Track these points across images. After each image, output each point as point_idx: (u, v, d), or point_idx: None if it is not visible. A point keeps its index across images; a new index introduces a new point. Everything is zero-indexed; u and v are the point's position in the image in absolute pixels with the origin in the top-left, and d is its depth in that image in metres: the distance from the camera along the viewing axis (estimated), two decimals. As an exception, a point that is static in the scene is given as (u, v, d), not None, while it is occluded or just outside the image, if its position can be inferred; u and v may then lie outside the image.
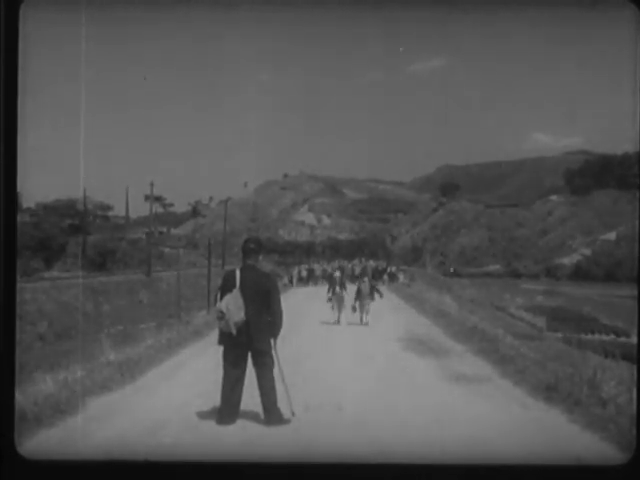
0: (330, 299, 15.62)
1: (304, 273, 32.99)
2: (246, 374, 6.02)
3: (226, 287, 6.03)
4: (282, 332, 6.13)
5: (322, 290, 17.75)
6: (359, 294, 15.02)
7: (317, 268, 34.12)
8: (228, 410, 5.97)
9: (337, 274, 17.34)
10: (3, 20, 4.88)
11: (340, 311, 15.16)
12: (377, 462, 4.84)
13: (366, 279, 15.81)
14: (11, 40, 4.89)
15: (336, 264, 35.05)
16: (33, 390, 6.50)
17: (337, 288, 15.54)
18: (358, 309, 14.89)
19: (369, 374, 8.71)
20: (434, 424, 6.07)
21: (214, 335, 6.53)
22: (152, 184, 40.18)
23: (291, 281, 31.46)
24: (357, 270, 29.01)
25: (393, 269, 36.97)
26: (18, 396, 5.29)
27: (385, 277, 33.55)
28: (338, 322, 14.87)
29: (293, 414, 6.07)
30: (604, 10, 5.87)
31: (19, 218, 5.17)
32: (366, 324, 14.57)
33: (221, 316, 5.90)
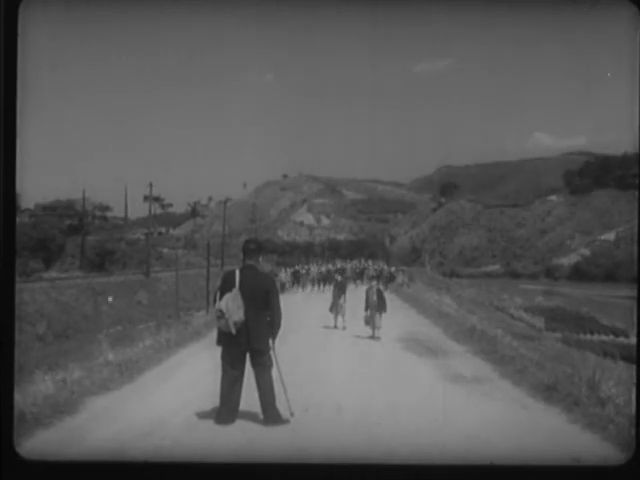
0: (331, 308, 14.62)
1: (288, 277, 28.65)
2: (245, 374, 6.02)
3: (226, 287, 6.04)
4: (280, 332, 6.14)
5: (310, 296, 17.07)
6: (367, 303, 13.27)
7: (300, 269, 30.46)
8: (227, 410, 5.97)
9: (339, 277, 16.32)
10: (2, 20, 4.88)
11: (336, 317, 14.41)
12: (377, 462, 4.84)
13: (374, 284, 14.19)
14: (10, 40, 4.88)
15: (328, 266, 32.44)
16: (32, 390, 6.49)
17: (337, 292, 14.83)
18: (370, 322, 13.04)
19: (368, 374, 8.70)
20: (434, 424, 6.07)
21: (213, 335, 6.54)
22: (151, 185, 40.14)
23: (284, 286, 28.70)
24: (369, 272, 28.21)
25: (392, 269, 36.96)
26: (17, 396, 5.29)
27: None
28: (335, 327, 14.33)
29: (292, 414, 6.07)
30: (604, 10, 5.87)
31: (18, 219, 5.16)
32: (378, 339, 12.66)
33: (220, 315, 5.91)
